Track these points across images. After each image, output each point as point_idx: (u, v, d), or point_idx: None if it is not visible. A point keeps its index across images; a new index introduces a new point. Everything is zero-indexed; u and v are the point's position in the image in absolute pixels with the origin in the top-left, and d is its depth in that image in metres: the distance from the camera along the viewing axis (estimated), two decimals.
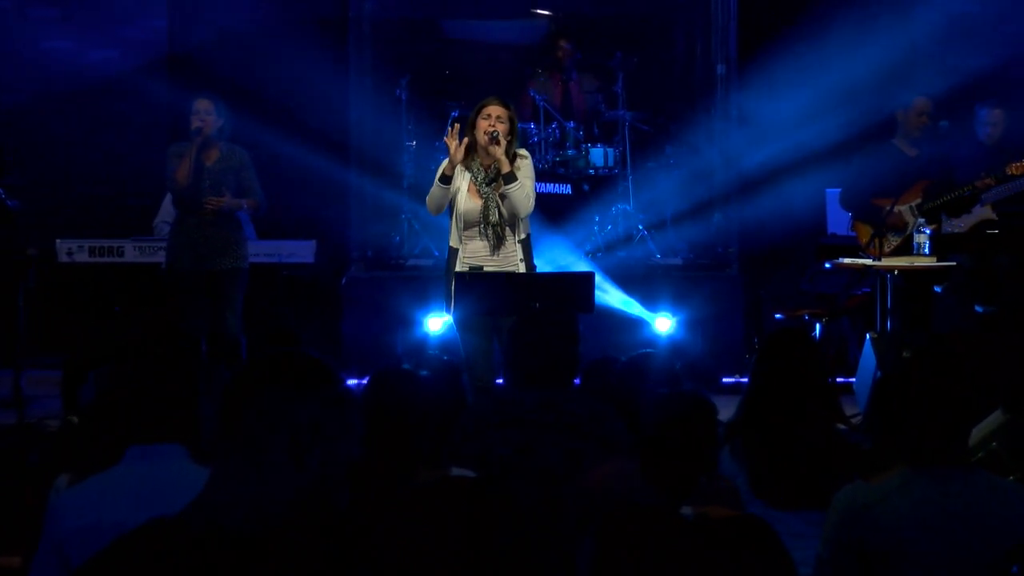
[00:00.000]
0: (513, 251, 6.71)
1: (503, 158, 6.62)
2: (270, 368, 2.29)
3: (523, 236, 6.75)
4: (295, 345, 5.04)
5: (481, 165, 6.71)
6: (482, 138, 6.65)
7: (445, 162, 6.74)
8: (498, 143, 6.61)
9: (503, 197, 6.63)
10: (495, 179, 6.69)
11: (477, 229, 6.68)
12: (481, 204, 6.66)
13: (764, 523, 3.11)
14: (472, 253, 6.69)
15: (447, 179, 6.68)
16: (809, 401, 4.20)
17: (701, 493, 3.56)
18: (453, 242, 6.75)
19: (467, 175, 6.69)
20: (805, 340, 4.47)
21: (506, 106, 6.71)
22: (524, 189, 6.63)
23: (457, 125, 6.79)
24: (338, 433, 2.26)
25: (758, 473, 4.06)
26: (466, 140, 6.72)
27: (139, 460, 3.33)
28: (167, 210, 9.61)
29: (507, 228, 6.70)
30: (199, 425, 3.45)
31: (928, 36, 10.21)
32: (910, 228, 7.86)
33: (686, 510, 3.26)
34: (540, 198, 6.87)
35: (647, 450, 3.55)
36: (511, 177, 6.62)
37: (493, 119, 6.65)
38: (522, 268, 6.69)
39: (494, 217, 6.65)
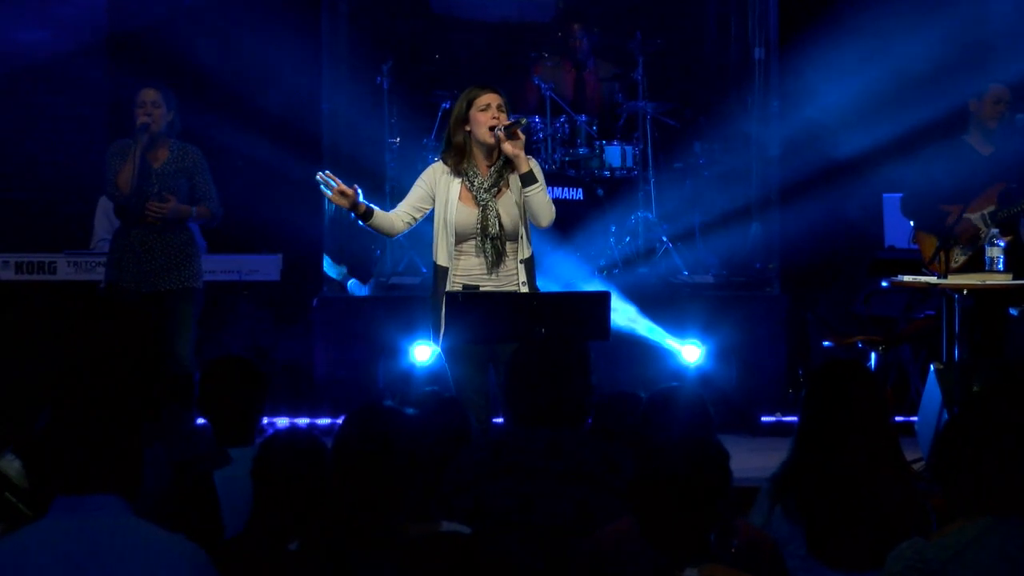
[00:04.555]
0: (513, 271, 6.62)
1: (523, 155, 6.51)
2: None
3: (526, 255, 6.66)
4: (256, 382, 5.02)
5: (477, 167, 6.62)
6: (487, 135, 6.54)
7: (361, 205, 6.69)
8: (518, 137, 6.51)
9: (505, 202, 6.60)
10: (497, 183, 6.59)
11: (473, 243, 6.58)
12: (478, 213, 6.57)
13: None
14: (465, 271, 6.59)
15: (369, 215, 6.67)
16: (871, 447, 4.19)
17: (739, 548, 3.57)
18: (440, 259, 6.62)
19: (458, 180, 6.60)
20: (863, 374, 4.46)
21: (499, 93, 6.65)
22: (545, 191, 6.58)
23: (329, 177, 6.69)
24: None
25: (816, 530, 4.06)
26: (351, 194, 6.64)
27: (68, 513, 3.32)
28: (103, 224, 9.62)
29: (508, 243, 6.62)
30: (141, 473, 3.44)
31: (1003, 12, 10.20)
32: (982, 240, 7.85)
33: (690, 572, 3.29)
34: None
35: (642, 506, 3.57)
36: (531, 177, 6.49)
37: (494, 109, 6.54)
38: (524, 291, 6.63)
39: (494, 229, 6.55)
